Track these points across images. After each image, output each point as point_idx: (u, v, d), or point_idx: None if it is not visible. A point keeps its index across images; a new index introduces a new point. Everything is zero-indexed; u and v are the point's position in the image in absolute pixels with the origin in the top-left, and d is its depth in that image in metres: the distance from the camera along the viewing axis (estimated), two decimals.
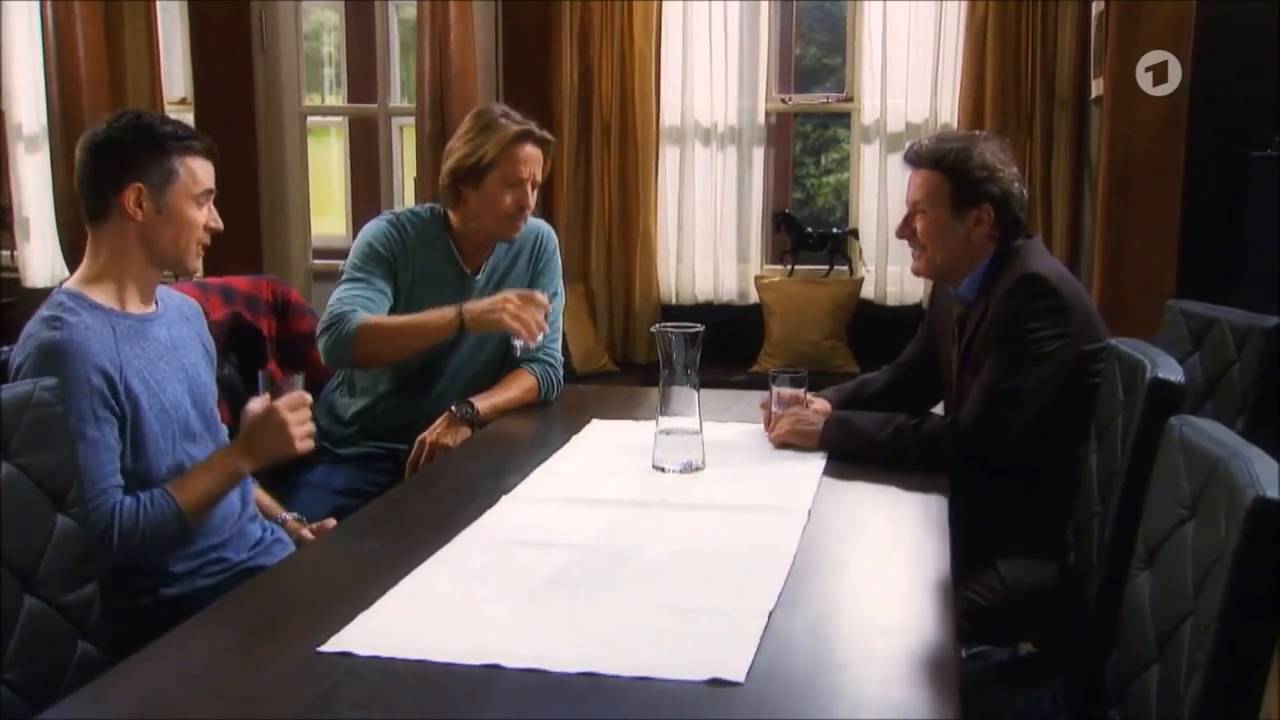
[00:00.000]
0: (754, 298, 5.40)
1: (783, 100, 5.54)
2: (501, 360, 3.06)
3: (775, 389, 2.68)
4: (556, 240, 3.14)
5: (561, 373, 3.09)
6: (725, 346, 5.27)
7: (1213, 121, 4.37)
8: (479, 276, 3.02)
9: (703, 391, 2.47)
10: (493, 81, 5.56)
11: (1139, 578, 1.64)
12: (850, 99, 5.40)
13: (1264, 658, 1.26)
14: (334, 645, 1.52)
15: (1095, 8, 4.78)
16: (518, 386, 2.99)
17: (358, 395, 3.05)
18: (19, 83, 5.79)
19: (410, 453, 2.81)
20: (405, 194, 6.17)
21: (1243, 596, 1.23)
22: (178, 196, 2.20)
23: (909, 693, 1.43)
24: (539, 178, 2.94)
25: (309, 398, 2.25)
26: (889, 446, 2.46)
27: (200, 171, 2.24)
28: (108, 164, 2.19)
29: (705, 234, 5.41)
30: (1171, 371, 1.92)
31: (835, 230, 5.53)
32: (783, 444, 2.60)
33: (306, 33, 9.69)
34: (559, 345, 3.10)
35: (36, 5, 5.20)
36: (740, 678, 1.44)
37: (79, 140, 2.24)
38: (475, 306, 2.78)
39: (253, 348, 3.13)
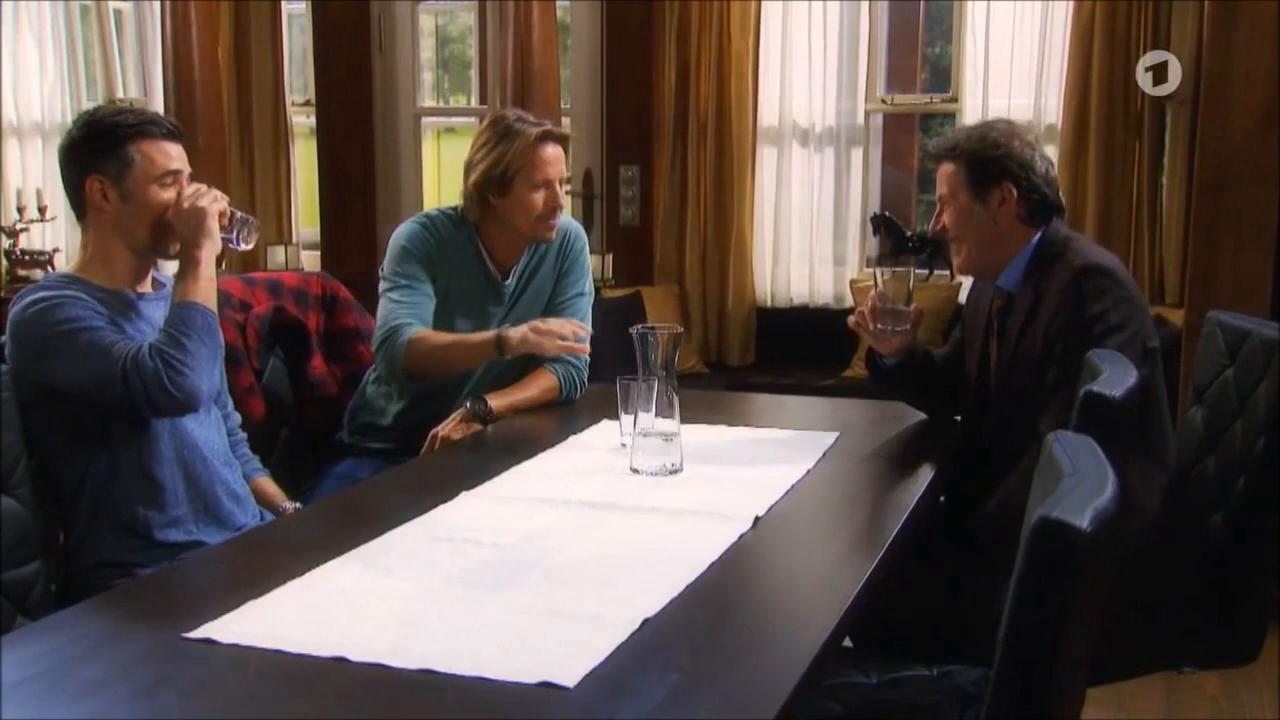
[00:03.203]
0: (849, 301, 5.31)
1: (883, 101, 5.43)
2: (528, 359, 3.08)
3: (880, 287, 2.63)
4: (585, 239, 3.15)
5: (585, 373, 3.08)
6: (818, 350, 5.26)
7: None
8: (509, 280, 3.04)
9: (762, 396, 2.46)
10: (597, 81, 5.63)
11: None
12: (955, 99, 5.27)
13: None
14: (200, 632, 1.57)
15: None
16: (537, 386, 3.00)
17: (397, 398, 3.09)
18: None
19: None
20: None
21: None
22: (138, 182, 2.29)
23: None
24: (565, 175, 2.97)
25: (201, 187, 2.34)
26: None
27: (158, 154, 2.31)
28: (70, 163, 2.32)
29: (801, 236, 5.35)
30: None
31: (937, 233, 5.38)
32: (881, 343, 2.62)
33: (454, 34, 9.96)
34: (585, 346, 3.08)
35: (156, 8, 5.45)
36: (570, 682, 1.43)
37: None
38: (513, 336, 2.81)
39: (298, 341, 3.24)
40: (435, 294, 2.97)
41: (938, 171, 2.60)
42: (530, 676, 1.44)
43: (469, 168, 2.96)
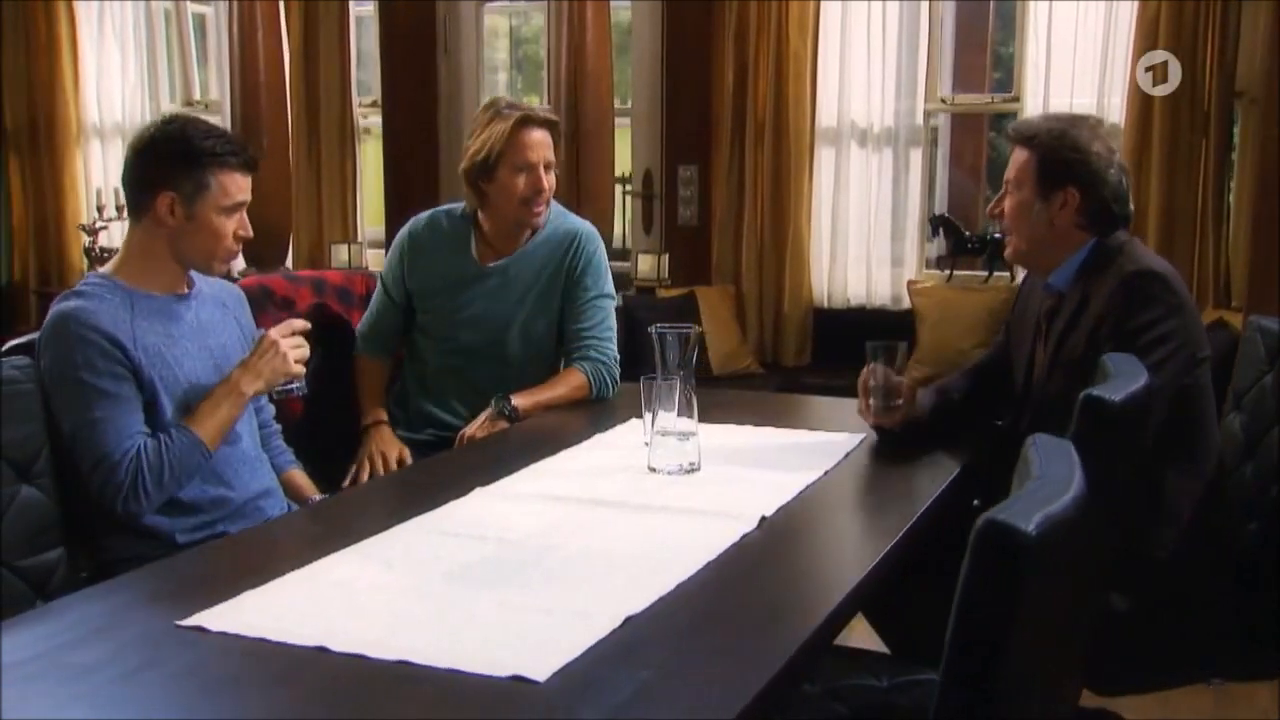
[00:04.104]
0: (907, 303, 5.26)
1: (943, 101, 5.37)
2: (554, 360, 3.14)
3: (872, 361, 2.60)
4: (600, 241, 3.17)
5: (617, 371, 3.10)
6: None
7: None
8: (491, 265, 3.08)
9: (814, 398, 2.47)
10: (657, 81, 5.64)
11: None
12: (1017, 99, 5.19)
13: None
14: (192, 620, 1.61)
15: None
16: (565, 384, 3.03)
17: (431, 399, 3.15)
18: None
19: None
20: None
21: None
22: (207, 207, 2.35)
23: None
24: (551, 159, 3.00)
25: (299, 324, 2.45)
26: None
27: (232, 185, 2.38)
28: (148, 168, 2.36)
29: (859, 237, 5.32)
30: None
31: (995, 235, 5.32)
32: (876, 424, 2.57)
33: (528, 35, 10.01)
34: (613, 344, 3.11)
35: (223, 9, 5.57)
36: (540, 677, 1.44)
37: (131, 138, 2.44)
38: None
39: (340, 337, 3.30)
40: (414, 290, 3.11)
41: (1011, 152, 2.56)
42: (502, 670, 1.46)
43: (462, 156, 3.05)
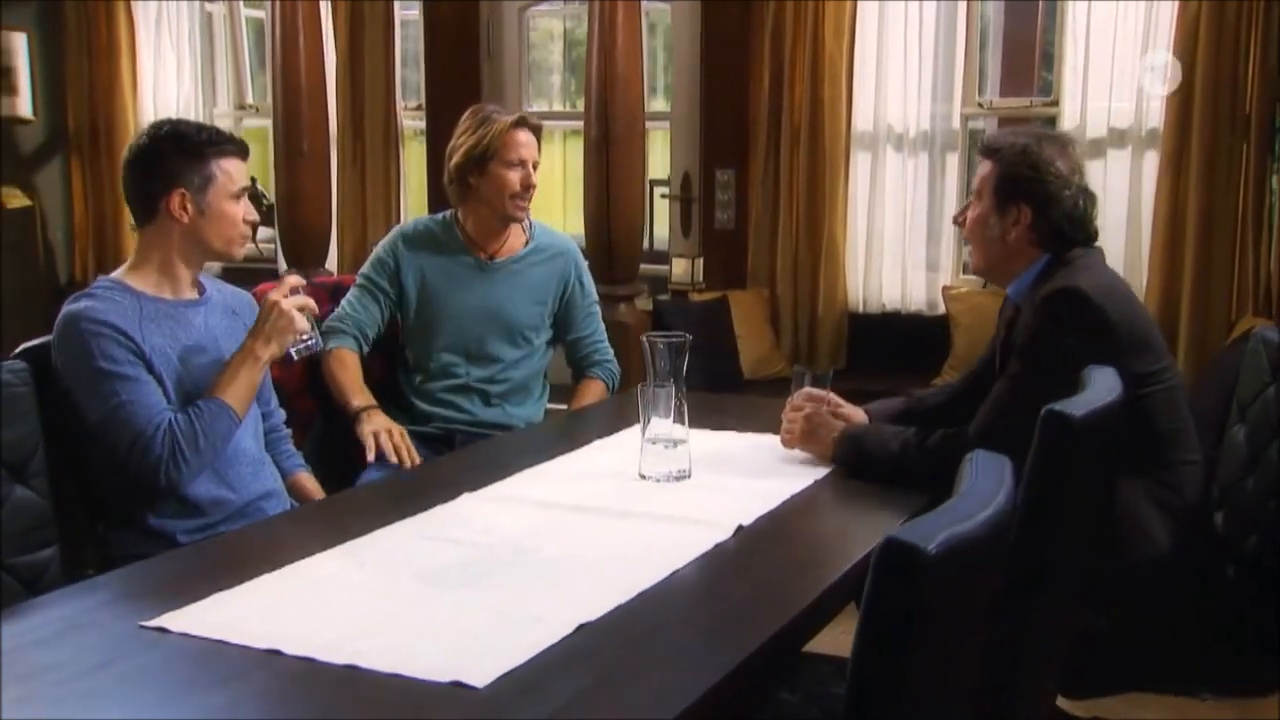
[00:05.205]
0: (942, 308, 5.23)
1: (980, 105, 5.32)
2: (539, 364, 3.28)
3: (795, 388, 2.63)
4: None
5: (617, 365, 3.36)
6: (909, 358, 5.19)
7: None
8: (495, 261, 3.22)
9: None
10: (695, 84, 5.65)
11: None
12: (1056, 102, 5.13)
13: None
14: (156, 621, 1.66)
15: None
16: (592, 395, 3.29)
17: (434, 402, 3.21)
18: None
19: None
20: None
21: None
22: (218, 196, 2.44)
23: None
24: (537, 160, 3.17)
25: (295, 280, 2.51)
26: (894, 464, 2.39)
27: (235, 170, 2.47)
28: (151, 173, 2.44)
29: (894, 241, 5.28)
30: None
31: None
32: (792, 446, 2.55)
33: (581, 38, 10.08)
34: (607, 343, 3.37)
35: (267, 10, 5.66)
36: (480, 683, 1.47)
37: (124, 153, 2.51)
38: (365, 424, 2.99)
39: None
40: (408, 289, 3.18)
41: (979, 163, 2.59)
42: (444, 675, 1.49)
43: (451, 153, 3.17)
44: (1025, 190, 2.47)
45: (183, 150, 2.42)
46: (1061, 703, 2.44)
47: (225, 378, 2.41)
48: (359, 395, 3.05)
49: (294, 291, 2.47)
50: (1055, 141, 2.55)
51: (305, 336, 2.48)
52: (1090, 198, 2.53)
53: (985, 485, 1.35)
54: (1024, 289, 2.50)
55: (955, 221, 2.67)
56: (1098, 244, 2.55)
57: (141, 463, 2.28)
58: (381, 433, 2.94)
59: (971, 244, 2.58)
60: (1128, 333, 2.36)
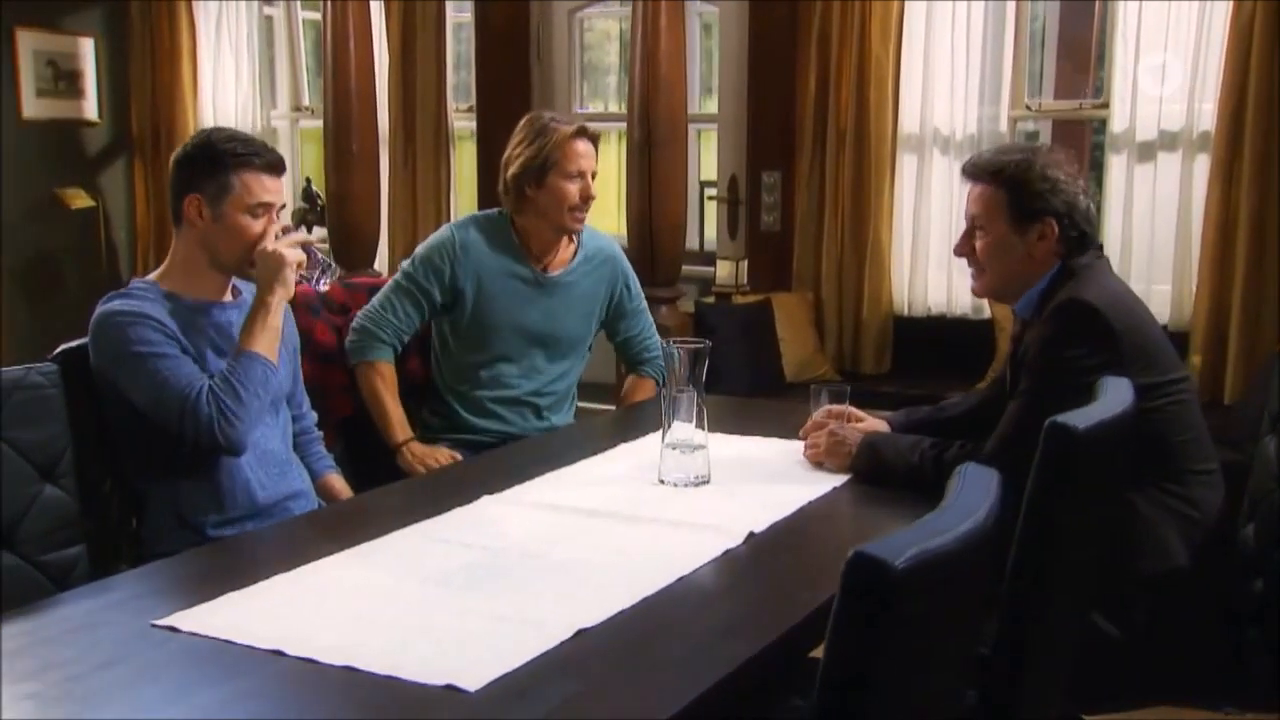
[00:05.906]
0: (988, 312, 5.18)
1: (1028, 107, 5.27)
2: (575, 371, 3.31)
3: (815, 403, 2.65)
4: None
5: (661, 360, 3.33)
6: (954, 362, 5.15)
7: None
8: (551, 273, 3.20)
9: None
10: (742, 86, 5.65)
11: None
12: (1106, 104, 5.07)
13: None
14: (167, 620, 1.70)
15: None
16: (643, 392, 3.35)
17: (483, 413, 3.23)
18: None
19: None
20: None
21: None
22: (233, 207, 2.47)
23: None
24: (595, 169, 3.14)
25: (286, 223, 2.55)
26: (911, 475, 2.39)
27: (256, 185, 2.48)
28: (177, 175, 2.51)
29: (940, 245, 5.23)
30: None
31: None
32: (817, 462, 2.56)
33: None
34: (657, 337, 3.38)
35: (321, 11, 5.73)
36: (472, 686, 1.50)
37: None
38: (405, 454, 3.06)
39: None
40: (462, 291, 3.14)
41: (971, 188, 2.55)
42: (438, 678, 1.52)
43: (507, 163, 3.15)
44: (1046, 204, 2.45)
45: (206, 158, 2.48)
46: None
47: (245, 332, 2.46)
48: (400, 428, 3.09)
49: (282, 235, 2.52)
50: (1042, 151, 2.53)
51: (314, 270, 2.50)
52: (1090, 196, 2.53)
53: (969, 499, 1.35)
54: (1031, 303, 2.48)
55: (957, 253, 2.60)
56: (1103, 252, 2.54)
57: (195, 426, 2.33)
58: (430, 462, 3.00)
59: (987, 270, 2.53)
60: (1132, 343, 2.34)
